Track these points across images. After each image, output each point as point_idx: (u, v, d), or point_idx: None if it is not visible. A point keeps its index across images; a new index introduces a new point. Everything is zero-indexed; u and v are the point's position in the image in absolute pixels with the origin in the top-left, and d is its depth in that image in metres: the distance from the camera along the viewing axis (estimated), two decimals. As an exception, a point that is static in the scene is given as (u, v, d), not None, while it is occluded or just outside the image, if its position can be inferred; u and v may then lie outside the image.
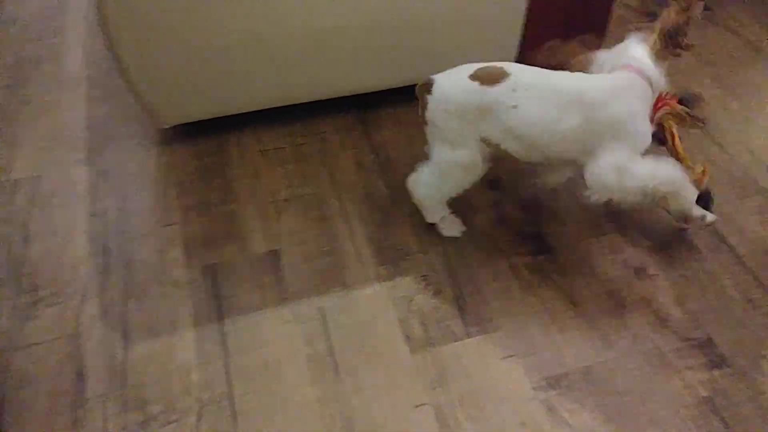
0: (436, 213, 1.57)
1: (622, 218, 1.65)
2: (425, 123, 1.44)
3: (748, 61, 2.19)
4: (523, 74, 1.36)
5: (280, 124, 1.92)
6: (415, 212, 1.63)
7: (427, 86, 1.41)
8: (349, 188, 1.74)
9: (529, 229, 1.63)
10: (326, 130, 1.91)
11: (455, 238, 1.60)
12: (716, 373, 1.36)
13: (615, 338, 1.41)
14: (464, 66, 1.41)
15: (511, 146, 1.39)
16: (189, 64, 1.65)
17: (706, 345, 1.40)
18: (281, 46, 1.68)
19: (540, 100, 1.34)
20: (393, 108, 1.96)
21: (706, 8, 2.40)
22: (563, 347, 1.39)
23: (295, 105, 1.89)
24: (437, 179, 1.48)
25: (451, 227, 1.59)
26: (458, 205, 1.62)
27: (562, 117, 1.34)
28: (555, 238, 1.61)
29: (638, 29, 1.47)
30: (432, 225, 1.61)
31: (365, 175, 1.77)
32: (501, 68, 1.37)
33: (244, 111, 1.84)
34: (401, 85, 1.89)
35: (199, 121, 1.85)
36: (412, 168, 1.58)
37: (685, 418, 1.29)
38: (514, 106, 1.34)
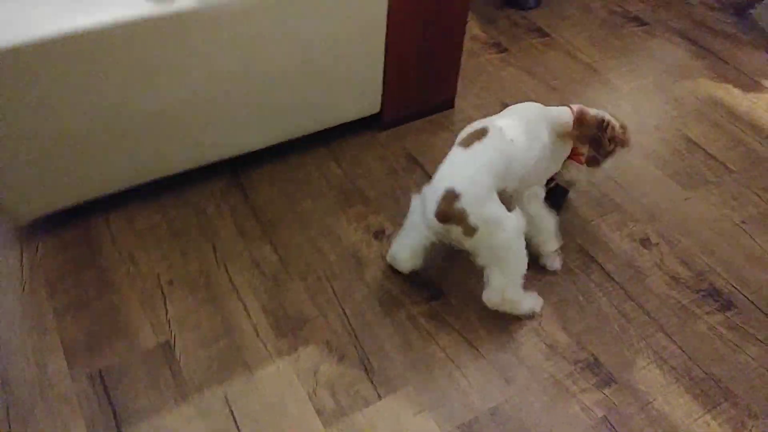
0: None
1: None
2: (473, 232, 1.39)
3: (588, 81, 2.41)
4: (493, 120, 1.50)
5: (152, 199, 1.85)
6: (306, 274, 1.65)
7: (451, 201, 1.36)
8: (235, 258, 1.71)
9: (420, 276, 1.69)
10: (201, 199, 1.86)
11: (349, 297, 1.62)
12: (607, 391, 1.49)
13: (513, 374, 1.50)
14: (455, 159, 1.44)
15: (511, 185, 1.47)
16: (39, 153, 1.54)
17: (593, 365, 1.53)
18: (135, 123, 1.61)
19: (519, 128, 1.47)
20: (266, 165, 1.95)
21: (545, 35, 2.61)
22: (469, 392, 1.46)
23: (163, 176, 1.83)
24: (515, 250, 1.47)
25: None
26: (347, 262, 1.66)
27: (537, 136, 1.49)
28: (444, 280, 1.69)
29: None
30: (332, 286, 1.63)
31: (249, 242, 1.75)
32: (474, 131, 1.45)
33: (107, 193, 1.75)
34: (273, 143, 1.89)
35: (60, 210, 1.73)
36: (296, 226, 1.60)
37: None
38: (512, 140, 1.45)
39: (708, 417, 1.46)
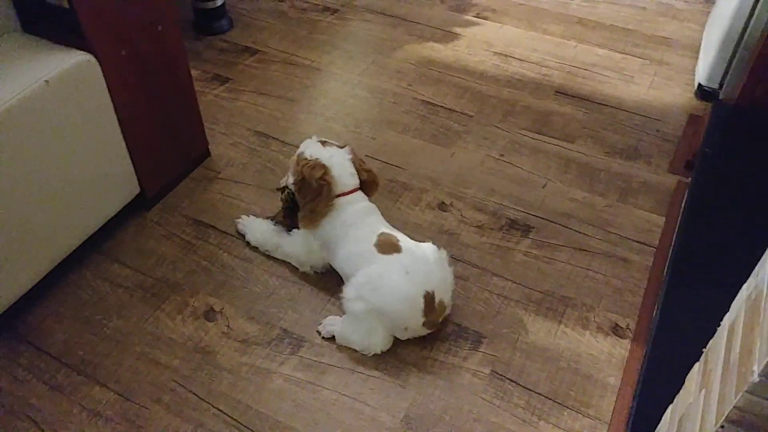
0: None
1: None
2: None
3: (318, 81, 2.59)
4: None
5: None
6: (158, 395, 1.58)
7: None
8: (65, 421, 1.56)
9: (269, 332, 1.72)
10: (-14, 373, 1.64)
11: (216, 392, 1.59)
12: (482, 349, 1.71)
13: (405, 376, 1.64)
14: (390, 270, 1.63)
15: None
16: None
17: (462, 331, 1.74)
18: None
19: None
20: (43, 303, 1.78)
21: (256, 52, 2.72)
22: (376, 414, 1.56)
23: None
24: None
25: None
26: (194, 359, 1.62)
27: None
28: (296, 326, 1.74)
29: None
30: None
31: (73, 395, 1.61)
32: (386, 237, 1.69)
33: None
34: (42, 276, 1.73)
35: None
36: (116, 351, 1.52)
37: (490, 398, 1.60)
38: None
39: (562, 327, 1.76)
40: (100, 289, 1.81)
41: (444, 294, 1.65)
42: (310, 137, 1.83)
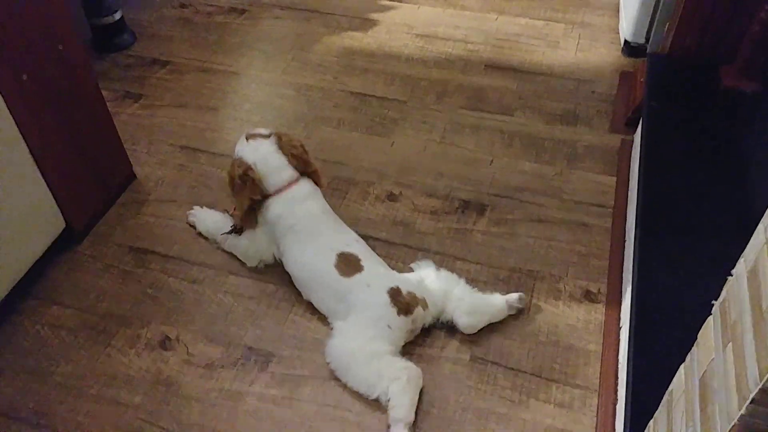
0: None
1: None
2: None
3: (238, 86, 2.56)
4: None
5: None
6: (136, 437, 1.52)
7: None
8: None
9: (232, 354, 1.69)
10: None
11: (184, 423, 1.55)
12: (457, 335, 1.72)
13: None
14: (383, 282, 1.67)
15: None
16: None
17: (436, 320, 1.75)
18: None
19: None
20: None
21: (165, 63, 2.66)
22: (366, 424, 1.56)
23: None
24: None
25: None
26: (157, 392, 1.57)
27: None
28: (261, 341, 1.72)
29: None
30: None
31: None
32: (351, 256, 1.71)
33: None
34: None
35: None
36: (71, 398, 1.45)
37: (474, 384, 1.64)
38: None
39: (534, 301, 1.81)
40: (41, 335, 1.73)
41: (410, 287, 1.68)
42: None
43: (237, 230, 1.87)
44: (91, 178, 1.96)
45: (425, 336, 1.72)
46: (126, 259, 1.92)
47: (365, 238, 1.88)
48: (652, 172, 1.79)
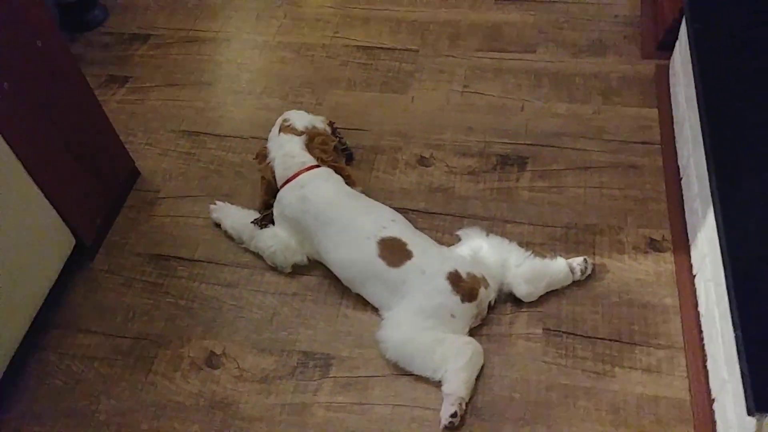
0: None
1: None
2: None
3: (223, 52, 2.35)
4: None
5: None
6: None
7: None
8: None
9: (293, 352, 1.58)
10: None
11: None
12: (524, 307, 1.61)
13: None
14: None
15: None
16: None
17: (499, 294, 1.64)
18: None
19: None
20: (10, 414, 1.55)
21: (146, 38, 2.44)
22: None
23: None
24: None
25: None
26: (214, 415, 1.45)
27: None
28: (315, 342, 1.60)
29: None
30: None
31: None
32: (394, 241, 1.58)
33: None
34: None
35: None
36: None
37: (553, 360, 1.54)
38: None
39: (598, 258, 1.69)
40: (72, 369, 1.59)
41: (468, 266, 1.55)
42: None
43: (261, 221, 1.73)
44: (93, 183, 1.79)
45: (490, 313, 1.60)
46: (148, 270, 1.77)
47: (403, 211, 1.74)
48: (715, 101, 1.63)
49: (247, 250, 1.76)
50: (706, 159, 1.56)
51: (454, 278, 1.52)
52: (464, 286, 1.51)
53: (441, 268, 1.53)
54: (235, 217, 1.78)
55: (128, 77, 2.29)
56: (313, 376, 1.54)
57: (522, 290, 1.60)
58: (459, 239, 1.70)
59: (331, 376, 1.54)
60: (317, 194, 1.64)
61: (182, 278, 1.74)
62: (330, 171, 1.72)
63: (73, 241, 1.72)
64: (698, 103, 1.66)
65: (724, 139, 1.54)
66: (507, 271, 1.61)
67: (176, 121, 2.13)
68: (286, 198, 1.67)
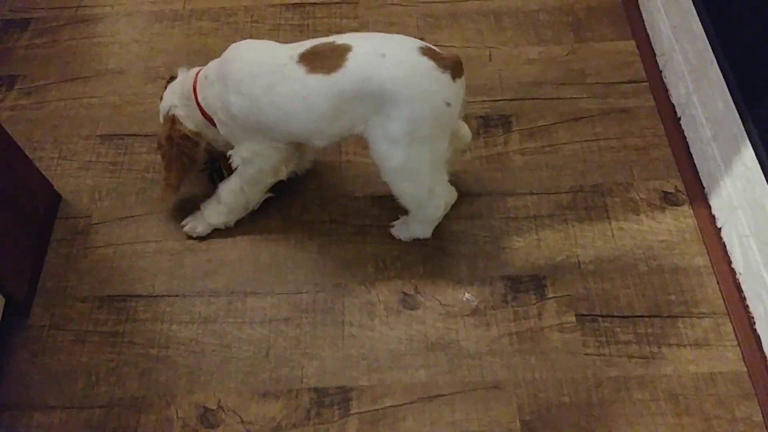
0: None
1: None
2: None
3: (126, 32, 2.01)
4: None
5: None
6: None
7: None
8: None
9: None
10: None
11: None
12: (549, 293, 1.46)
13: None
14: None
15: None
16: None
17: (517, 283, 1.49)
18: None
19: None
20: None
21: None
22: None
23: None
24: None
25: None
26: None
27: None
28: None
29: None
30: None
31: None
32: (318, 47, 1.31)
33: None
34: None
35: None
36: None
37: (596, 351, 1.41)
38: None
39: (614, 223, 1.58)
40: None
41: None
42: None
43: (215, 168, 1.56)
44: (6, 221, 1.47)
45: (512, 306, 1.45)
46: (101, 317, 1.49)
47: (385, 200, 1.53)
48: (728, 30, 1.49)
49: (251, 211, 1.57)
50: (734, 100, 1.43)
51: (428, 51, 1.26)
52: (443, 57, 1.26)
53: (408, 44, 1.27)
54: (215, 206, 1.53)
55: (15, 76, 1.91)
56: (333, 417, 1.35)
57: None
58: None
59: (353, 413, 1.35)
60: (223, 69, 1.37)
61: (146, 321, 1.48)
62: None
63: (2, 299, 1.42)
64: (709, 40, 1.51)
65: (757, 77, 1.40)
66: None
67: (90, 123, 1.80)
68: (209, 101, 1.39)
